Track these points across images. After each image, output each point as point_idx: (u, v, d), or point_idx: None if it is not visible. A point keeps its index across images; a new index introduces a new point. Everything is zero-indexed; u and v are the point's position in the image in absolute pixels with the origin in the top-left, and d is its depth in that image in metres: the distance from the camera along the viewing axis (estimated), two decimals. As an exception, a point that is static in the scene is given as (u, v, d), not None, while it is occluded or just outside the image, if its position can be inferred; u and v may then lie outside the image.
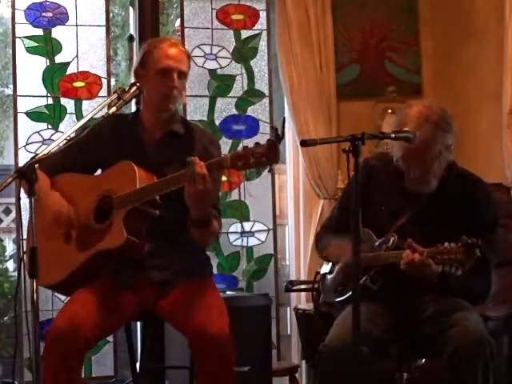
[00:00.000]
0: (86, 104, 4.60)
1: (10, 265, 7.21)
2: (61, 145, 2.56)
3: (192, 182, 2.64)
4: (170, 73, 2.90)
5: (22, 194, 3.55)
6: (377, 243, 2.95)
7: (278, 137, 2.48)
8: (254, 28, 4.95)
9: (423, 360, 3.04)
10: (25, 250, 2.71)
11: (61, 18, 4.60)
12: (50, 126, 4.57)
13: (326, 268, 3.21)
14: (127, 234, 2.74)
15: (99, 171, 3.06)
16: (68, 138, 2.59)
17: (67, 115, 4.59)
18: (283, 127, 2.52)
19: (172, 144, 2.95)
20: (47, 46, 4.57)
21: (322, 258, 3.25)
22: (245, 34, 4.93)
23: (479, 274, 2.83)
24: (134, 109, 3.41)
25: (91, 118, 2.74)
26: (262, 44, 4.94)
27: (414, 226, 2.93)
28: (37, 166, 2.41)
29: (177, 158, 2.79)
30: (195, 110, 4.83)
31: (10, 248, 7.66)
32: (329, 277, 3.16)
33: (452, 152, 3.00)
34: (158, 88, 2.90)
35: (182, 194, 2.71)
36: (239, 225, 4.87)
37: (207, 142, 2.98)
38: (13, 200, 7.10)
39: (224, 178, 4.69)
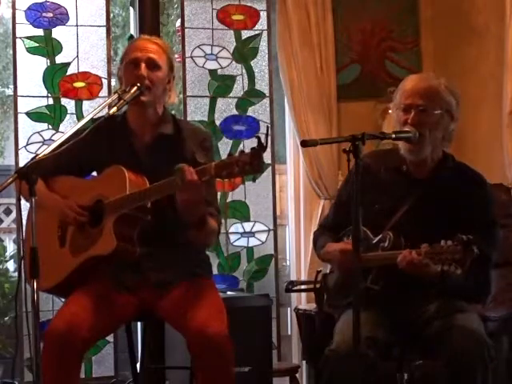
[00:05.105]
0: (86, 104, 4.60)
1: (11, 265, 7.22)
2: (58, 146, 2.55)
3: (182, 189, 2.64)
4: (138, 63, 2.88)
5: (22, 195, 3.56)
6: (373, 241, 2.94)
7: (261, 146, 2.46)
8: (255, 28, 4.95)
9: (421, 361, 3.04)
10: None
11: (61, 18, 4.60)
12: (50, 127, 4.57)
13: (328, 267, 3.20)
14: (118, 240, 2.74)
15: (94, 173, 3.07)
16: (63, 141, 2.58)
17: (68, 115, 4.59)
18: (267, 135, 2.50)
19: (162, 147, 2.93)
20: (48, 47, 4.58)
21: (319, 258, 3.25)
22: (245, 34, 4.93)
23: (478, 270, 2.81)
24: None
25: (91, 118, 2.75)
26: (263, 44, 4.94)
27: (410, 222, 2.92)
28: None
29: (168, 160, 2.77)
30: (195, 111, 4.83)
31: (11, 248, 7.67)
32: (330, 277, 3.16)
33: (451, 139, 3.00)
34: (128, 80, 2.87)
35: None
36: (240, 225, 4.88)
37: (196, 144, 2.92)
38: (13, 200, 7.09)
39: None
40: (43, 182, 2.94)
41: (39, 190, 2.54)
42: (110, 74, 4.65)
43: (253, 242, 4.89)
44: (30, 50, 4.56)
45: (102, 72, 4.64)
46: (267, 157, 4.65)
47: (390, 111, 4.90)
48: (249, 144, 4.76)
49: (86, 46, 4.65)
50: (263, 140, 2.45)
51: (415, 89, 2.97)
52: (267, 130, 2.62)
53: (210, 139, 3.05)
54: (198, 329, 2.68)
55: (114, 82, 4.81)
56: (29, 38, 4.55)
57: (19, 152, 4.49)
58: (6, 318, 6.52)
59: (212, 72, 4.86)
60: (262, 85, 4.93)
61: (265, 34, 4.94)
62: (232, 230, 4.86)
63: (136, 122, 2.97)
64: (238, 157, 2.49)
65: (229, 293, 4.32)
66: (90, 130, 2.69)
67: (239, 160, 2.47)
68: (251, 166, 2.46)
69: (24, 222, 2.82)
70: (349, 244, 2.89)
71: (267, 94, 4.92)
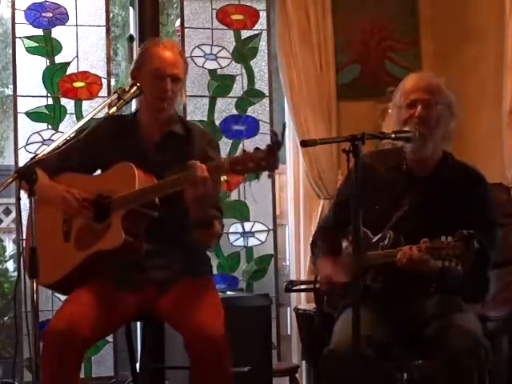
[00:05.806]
0: (86, 104, 4.60)
1: (10, 265, 7.22)
2: (60, 145, 2.55)
3: (193, 185, 2.64)
4: (164, 77, 2.90)
5: (22, 195, 3.54)
6: (373, 240, 2.94)
7: (277, 142, 2.46)
8: (254, 28, 4.95)
9: (420, 361, 3.04)
10: (24, 250, 2.71)
11: (61, 18, 4.60)
12: (49, 126, 4.58)
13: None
14: (125, 235, 2.75)
15: (98, 171, 3.06)
16: (67, 139, 2.58)
17: (67, 115, 4.59)
18: (283, 132, 2.50)
19: (171, 145, 2.95)
20: (47, 46, 4.58)
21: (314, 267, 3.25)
22: (245, 34, 4.93)
23: (477, 269, 2.81)
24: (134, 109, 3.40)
25: (91, 118, 2.75)
26: (262, 44, 4.94)
27: (411, 221, 2.92)
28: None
29: (176, 159, 2.79)
30: (195, 110, 4.83)
31: (10, 248, 7.67)
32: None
33: (451, 138, 3.00)
34: (152, 91, 2.90)
35: (183, 195, 2.71)
36: (239, 225, 4.88)
37: (205, 143, 2.97)
38: (13, 200, 7.10)
39: (224, 178, 4.70)
40: (46, 175, 2.93)
41: (41, 182, 2.53)
42: (109, 74, 4.65)
43: (252, 241, 4.89)
44: (30, 50, 4.56)
45: (101, 72, 4.64)
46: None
47: (389, 111, 4.90)
48: (248, 144, 4.77)
49: (86, 46, 4.65)
50: (279, 137, 2.46)
51: (418, 85, 2.98)
52: (283, 127, 2.63)
53: (216, 142, 3.09)
54: (194, 329, 2.68)
55: (113, 81, 4.80)
56: (28, 37, 4.55)
57: (19, 152, 4.50)
58: (6, 318, 6.52)
59: (211, 72, 4.86)
60: (261, 85, 4.93)
61: (264, 33, 4.95)
62: (231, 229, 4.86)
63: (147, 120, 2.99)
64: (254, 153, 2.50)
65: (228, 293, 4.32)
66: (95, 129, 2.70)
67: (254, 156, 2.48)
68: (267, 162, 2.47)
69: (24, 221, 2.82)
70: (333, 268, 2.91)
71: (267, 94, 4.93)
